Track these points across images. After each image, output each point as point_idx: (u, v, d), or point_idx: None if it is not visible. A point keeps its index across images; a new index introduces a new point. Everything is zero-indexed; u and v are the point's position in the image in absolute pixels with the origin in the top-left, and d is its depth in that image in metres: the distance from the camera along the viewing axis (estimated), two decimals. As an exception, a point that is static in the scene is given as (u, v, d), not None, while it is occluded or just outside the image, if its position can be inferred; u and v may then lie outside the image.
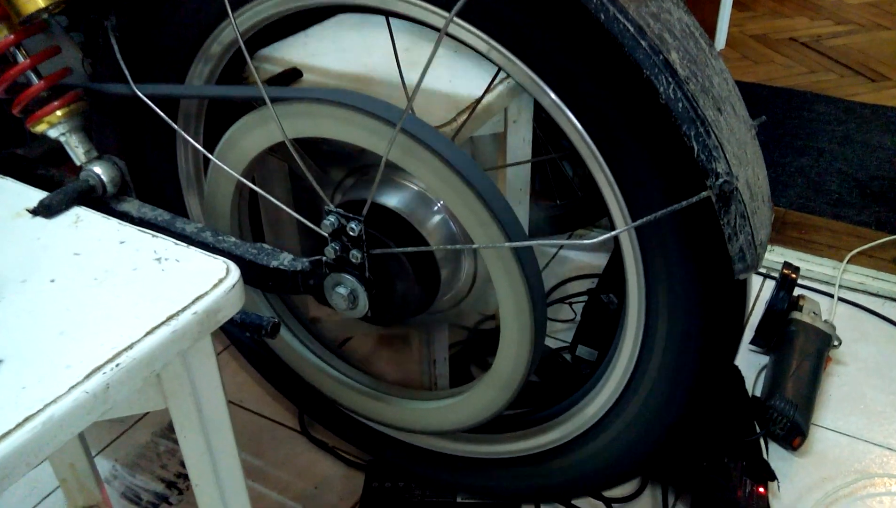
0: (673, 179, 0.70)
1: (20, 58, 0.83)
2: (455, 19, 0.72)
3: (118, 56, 0.85)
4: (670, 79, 0.65)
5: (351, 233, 0.80)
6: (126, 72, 0.84)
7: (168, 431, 1.24)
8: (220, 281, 0.65)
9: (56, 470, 1.02)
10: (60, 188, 0.78)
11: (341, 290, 0.84)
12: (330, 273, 0.84)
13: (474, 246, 0.79)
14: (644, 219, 0.70)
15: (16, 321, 0.62)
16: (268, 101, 0.76)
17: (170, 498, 1.15)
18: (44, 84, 0.84)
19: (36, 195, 0.81)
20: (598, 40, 0.66)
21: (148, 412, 1.23)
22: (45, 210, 0.75)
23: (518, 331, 0.80)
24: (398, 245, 0.82)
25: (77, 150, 0.87)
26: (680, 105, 0.65)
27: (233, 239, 0.84)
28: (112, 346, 0.58)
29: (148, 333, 0.59)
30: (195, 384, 0.70)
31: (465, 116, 0.96)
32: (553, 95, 0.71)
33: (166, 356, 0.60)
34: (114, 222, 0.74)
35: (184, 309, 0.61)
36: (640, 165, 0.71)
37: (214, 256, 0.68)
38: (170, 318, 0.60)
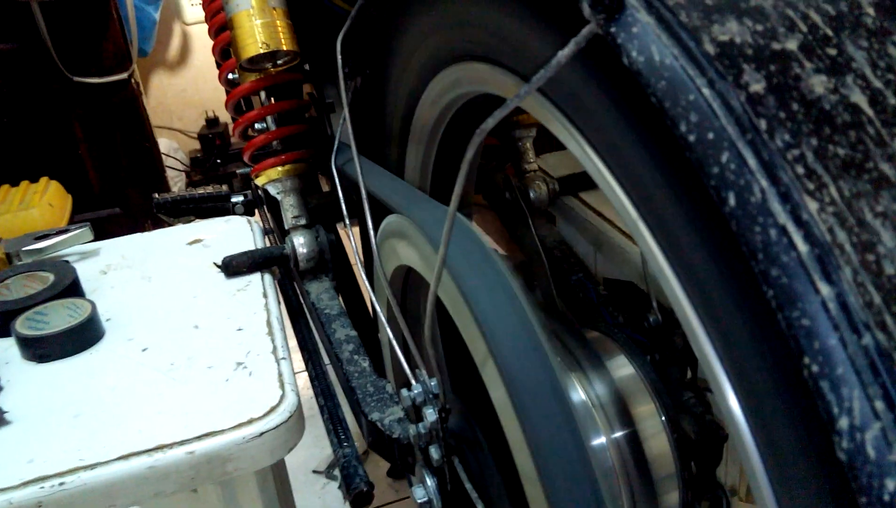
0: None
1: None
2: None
3: (330, 121, 0.80)
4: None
5: (426, 421, 0.57)
6: (341, 142, 0.78)
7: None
8: (248, 422, 0.55)
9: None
10: (252, 250, 0.78)
11: (418, 493, 0.60)
12: (419, 460, 0.62)
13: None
14: None
15: (70, 380, 0.61)
16: (362, 205, 0.63)
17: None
18: (267, 136, 0.84)
19: (260, 246, 0.80)
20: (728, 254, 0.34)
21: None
22: (225, 268, 0.76)
23: None
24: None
25: (287, 213, 0.86)
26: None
27: (365, 365, 0.72)
28: (80, 458, 0.52)
29: (121, 458, 0.52)
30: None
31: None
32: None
33: (132, 494, 0.52)
34: (261, 303, 0.71)
35: (178, 444, 0.53)
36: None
37: (284, 385, 0.59)
38: (158, 448, 0.53)
